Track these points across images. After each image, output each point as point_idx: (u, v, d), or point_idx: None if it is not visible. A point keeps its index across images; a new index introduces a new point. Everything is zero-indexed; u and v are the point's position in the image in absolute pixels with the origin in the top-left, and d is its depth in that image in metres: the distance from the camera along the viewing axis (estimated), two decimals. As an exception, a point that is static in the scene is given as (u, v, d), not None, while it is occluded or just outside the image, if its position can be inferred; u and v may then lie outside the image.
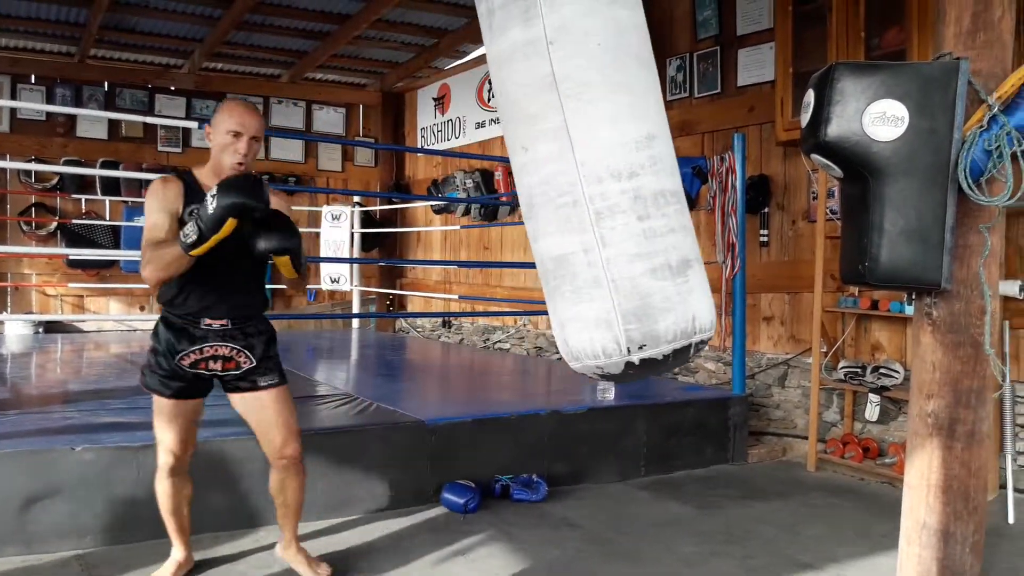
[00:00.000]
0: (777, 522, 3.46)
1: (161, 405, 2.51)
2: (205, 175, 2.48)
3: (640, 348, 1.68)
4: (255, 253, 2.31)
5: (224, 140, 2.41)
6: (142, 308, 8.60)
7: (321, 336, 7.85)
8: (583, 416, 4.01)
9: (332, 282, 8.35)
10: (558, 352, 7.53)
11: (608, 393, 4.27)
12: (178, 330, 2.47)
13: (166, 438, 2.54)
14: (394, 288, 9.11)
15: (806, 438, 4.62)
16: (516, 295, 7.58)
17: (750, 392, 5.02)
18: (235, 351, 2.50)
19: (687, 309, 1.69)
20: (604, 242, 1.68)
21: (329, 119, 9.57)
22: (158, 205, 2.40)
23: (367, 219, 8.96)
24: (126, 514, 2.98)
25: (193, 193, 2.42)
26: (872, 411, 4.31)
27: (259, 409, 2.56)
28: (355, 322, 8.59)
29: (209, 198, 2.20)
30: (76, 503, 2.92)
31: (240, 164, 2.41)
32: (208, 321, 2.46)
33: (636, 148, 1.69)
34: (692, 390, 4.98)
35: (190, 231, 2.22)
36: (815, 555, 3.06)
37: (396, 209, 9.62)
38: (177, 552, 2.70)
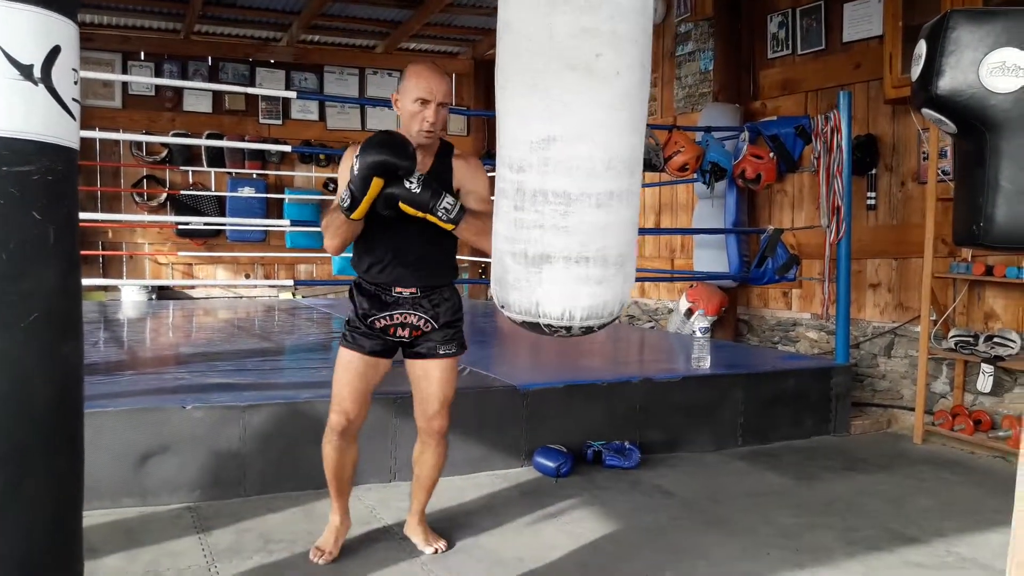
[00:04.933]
0: (881, 495, 3.34)
1: (351, 361, 2.49)
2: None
3: (502, 307, 1.96)
4: (390, 214, 2.28)
5: (412, 108, 2.38)
6: (247, 276, 8.93)
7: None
8: (677, 384, 3.95)
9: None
10: (650, 320, 7.48)
11: (703, 362, 4.19)
12: (371, 296, 2.49)
13: (344, 396, 2.51)
14: (485, 255, 9.17)
15: (913, 409, 4.43)
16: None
17: (854, 362, 4.85)
18: (422, 320, 2.50)
19: (532, 294, 1.86)
20: (496, 216, 1.97)
21: (422, 88, 9.63)
22: (342, 173, 2.41)
23: (460, 187, 9.02)
24: (234, 469, 3.12)
25: None
26: (985, 382, 4.10)
27: (426, 377, 2.55)
28: (449, 289, 8.68)
29: (355, 159, 2.21)
30: (187, 458, 3.07)
31: (429, 132, 2.39)
32: (399, 289, 2.47)
33: (530, 148, 1.81)
34: (792, 359, 4.84)
35: (345, 195, 2.26)
36: (921, 529, 2.95)
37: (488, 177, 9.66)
38: (335, 517, 2.66)
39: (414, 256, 2.47)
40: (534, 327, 1.89)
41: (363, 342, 2.50)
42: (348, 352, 2.51)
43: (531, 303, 1.87)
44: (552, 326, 1.86)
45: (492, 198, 2.13)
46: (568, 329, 1.86)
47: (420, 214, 2.27)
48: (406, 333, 2.51)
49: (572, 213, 1.79)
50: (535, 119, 1.80)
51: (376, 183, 2.19)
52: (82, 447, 1.54)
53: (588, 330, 1.90)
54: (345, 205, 2.27)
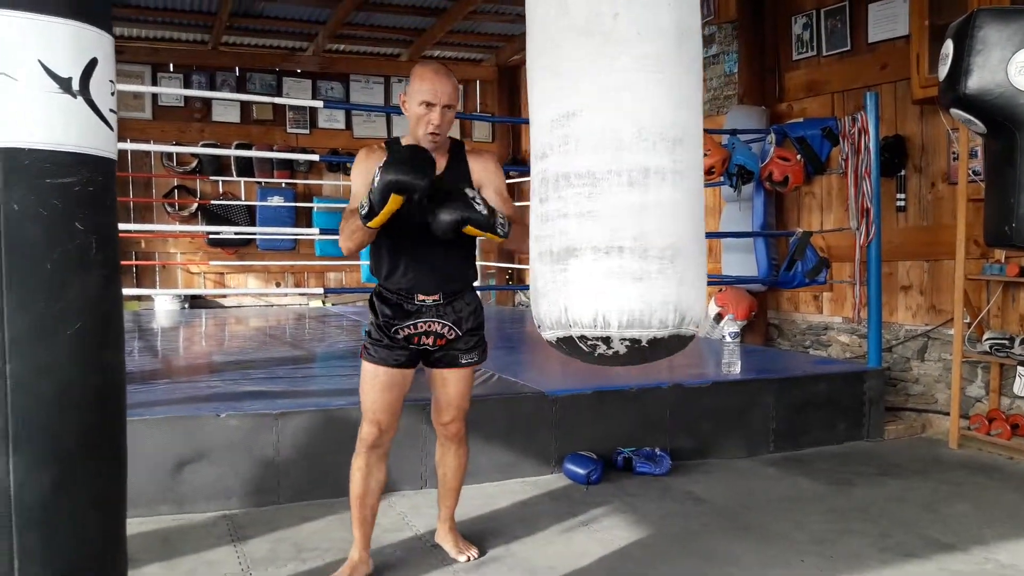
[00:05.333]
0: (916, 500, 3.30)
1: (377, 375, 2.44)
2: (407, 144, 2.40)
3: (539, 327, 1.69)
4: (434, 232, 2.25)
5: (418, 111, 2.33)
6: (278, 284, 9.02)
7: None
8: (707, 390, 3.93)
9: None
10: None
11: (733, 367, 4.17)
12: (393, 305, 2.44)
13: (375, 407, 2.45)
14: (512, 262, 9.19)
15: (947, 414, 4.37)
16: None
17: (887, 366, 4.79)
18: (447, 327, 2.46)
19: (559, 299, 1.60)
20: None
21: (447, 95, 9.68)
22: (359, 175, 2.38)
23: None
24: (268, 477, 3.16)
25: None
26: (1021, 385, 4.04)
27: (443, 384, 2.55)
28: (476, 296, 8.70)
29: (376, 171, 2.16)
30: (222, 466, 3.11)
31: (435, 135, 2.34)
32: (421, 297, 2.42)
33: (550, 129, 1.64)
34: (824, 363, 4.80)
35: (365, 203, 2.20)
36: (958, 535, 2.91)
37: (514, 183, 9.67)
38: (354, 551, 2.53)
39: (436, 261, 2.43)
40: (570, 345, 1.62)
41: (385, 355, 2.45)
42: (371, 366, 2.46)
43: (560, 310, 1.61)
44: (587, 338, 1.58)
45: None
46: (607, 341, 1.55)
47: (482, 234, 2.26)
48: (430, 341, 2.47)
49: (599, 195, 1.57)
50: (553, 97, 1.65)
51: (395, 200, 2.14)
52: (125, 454, 1.57)
53: (635, 347, 1.55)
54: (363, 213, 2.21)
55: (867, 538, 2.88)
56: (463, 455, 2.68)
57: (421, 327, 2.44)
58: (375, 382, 2.45)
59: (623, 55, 1.56)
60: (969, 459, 3.96)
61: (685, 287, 1.57)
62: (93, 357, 1.45)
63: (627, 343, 1.55)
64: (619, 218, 1.55)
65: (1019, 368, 4.03)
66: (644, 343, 1.56)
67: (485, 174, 2.47)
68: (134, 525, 2.88)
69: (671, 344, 1.60)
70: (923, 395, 4.88)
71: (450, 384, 2.55)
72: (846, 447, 4.13)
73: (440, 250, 2.42)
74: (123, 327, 1.58)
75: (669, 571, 2.62)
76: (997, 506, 3.25)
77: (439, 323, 2.45)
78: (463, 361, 2.53)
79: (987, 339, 4.22)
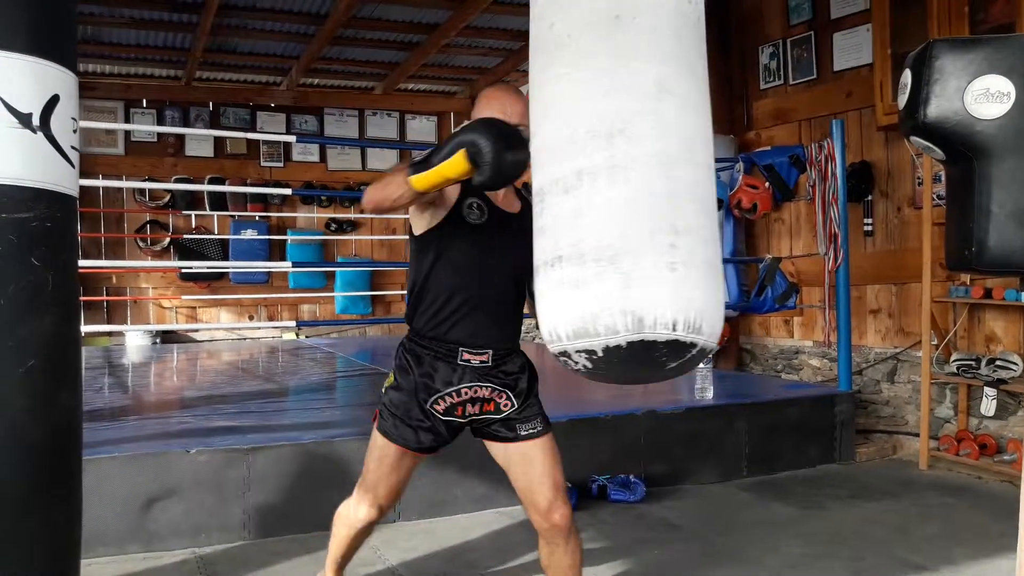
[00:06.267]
0: (888, 522, 3.31)
1: (388, 454, 2.05)
2: None
3: None
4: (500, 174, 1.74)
5: None
6: (251, 317, 8.95)
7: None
8: (680, 416, 3.94)
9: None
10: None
11: (707, 392, 4.19)
12: (430, 366, 2.01)
13: (379, 488, 2.08)
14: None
15: (917, 435, 4.41)
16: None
17: (857, 388, 4.83)
18: (495, 391, 2.02)
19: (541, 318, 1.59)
20: None
21: (421, 128, 9.76)
22: None
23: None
24: (239, 513, 3.11)
25: (469, 191, 2.01)
26: (988, 406, 4.08)
27: (523, 463, 2.04)
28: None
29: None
30: (191, 503, 3.06)
31: None
32: (466, 356, 1.98)
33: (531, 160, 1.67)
34: (795, 387, 4.83)
35: (421, 156, 1.76)
36: (929, 557, 2.92)
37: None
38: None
39: (490, 311, 2.00)
40: (562, 364, 1.58)
41: (407, 434, 2.02)
42: (386, 443, 2.04)
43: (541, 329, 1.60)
44: (555, 355, 1.54)
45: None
46: (567, 356, 1.49)
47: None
48: (476, 409, 2.03)
49: (546, 209, 1.55)
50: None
51: (458, 161, 1.68)
52: (80, 496, 1.54)
53: (597, 359, 1.44)
54: (414, 161, 1.76)
55: (840, 561, 2.89)
56: (577, 549, 2.08)
57: (466, 394, 2.01)
58: (384, 459, 2.06)
59: (556, 62, 1.56)
60: (939, 480, 4.00)
61: (638, 288, 1.42)
62: (47, 397, 1.44)
63: (584, 355, 1.47)
64: (559, 228, 1.51)
65: (986, 389, 4.08)
66: (600, 353, 1.44)
67: None
68: (102, 564, 2.84)
69: (641, 352, 1.44)
70: (893, 417, 4.92)
71: (534, 460, 2.04)
72: (818, 470, 4.15)
73: (496, 297, 2.02)
74: (81, 367, 1.56)
75: (643, 599, 2.61)
76: (966, 526, 3.27)
77: (487, 387, 2.02)
78: (523, 433, 2.04)
79: (954, 360, 4.28)
